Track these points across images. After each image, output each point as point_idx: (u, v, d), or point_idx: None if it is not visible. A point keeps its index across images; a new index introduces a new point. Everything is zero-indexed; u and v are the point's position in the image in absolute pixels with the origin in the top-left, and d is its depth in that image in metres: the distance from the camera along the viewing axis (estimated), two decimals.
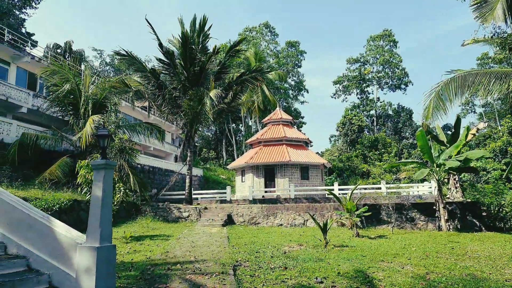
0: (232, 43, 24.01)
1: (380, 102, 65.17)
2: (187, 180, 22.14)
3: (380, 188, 24.94)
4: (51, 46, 35.60)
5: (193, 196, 25.22)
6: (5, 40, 23.92)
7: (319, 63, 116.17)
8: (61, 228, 5.64)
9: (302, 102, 65.24)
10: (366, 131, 58.08)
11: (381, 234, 14.08)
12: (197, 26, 21.25)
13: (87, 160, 14.46)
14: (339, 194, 23.39)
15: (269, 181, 29.01)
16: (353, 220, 14.20)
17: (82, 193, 14.00)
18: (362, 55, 65.07)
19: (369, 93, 65.97)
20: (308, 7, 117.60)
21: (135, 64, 21.43)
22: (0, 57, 23.61)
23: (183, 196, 24.02)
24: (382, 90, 65.47)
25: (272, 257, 9.31)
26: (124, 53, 20.88)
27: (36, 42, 37.27)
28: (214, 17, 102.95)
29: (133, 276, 7.17)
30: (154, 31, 20.50)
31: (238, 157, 49.20)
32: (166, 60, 21.48)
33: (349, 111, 58.31)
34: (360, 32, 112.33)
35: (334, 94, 67.88)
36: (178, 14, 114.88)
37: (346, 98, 67.95)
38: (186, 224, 18.14)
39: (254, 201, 23.79)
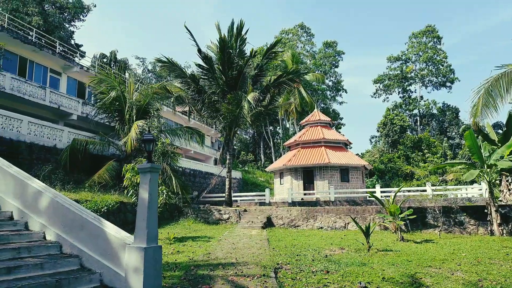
0: (268, 46, 24.11)
1: (424, 100, 62.58)
2: (227, 183, 22.46)
3: (425, 191, 23.91)
4: (97, 56, 37.61)
5: (233, 198, 25.52)
6: (57, 52, 25.56)
7: (358, 62, 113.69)
8: (111, 229, 5.93)
9: (341, 103, 64.12)
10: (408, 131, 55.95)
11: (427, 239, 13.49)
12: (234, 30, 21.55)
13: (132, 164, 15.11)
14: (381, 196, 22.69)
15: (308, 184, 28.73)
16: (397, 224, 13.72)
17: (128, 195, 14.62)
18: (403, 52, 62.83)
19: (411, 92, 63.57)
20: (345, 4, 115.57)
21: (176, 70, 22.12)
22: (53, 68, 25.28)
23: (223, 198, 24.38)
24: (425, 88, 62.89)
25: (313, 260, 9.21)
26: (165, 60, 21.62)
27: (84, 52, 39.50)
28: (251, 22, 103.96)
29: (177, 277, 7.38)
30: (193, 37, 21.05)
31: (276, 159, 49.18)
32: (205, 65, 21.96)
33: (390, 110, 56.45)
34: (400, 29, 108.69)
35: (375, 94, 66.04)
36: (214, 19, 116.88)
37: (388, 97, 65.79)
38: (226, 226, 18.39)
39: (293, 203, 23.66)
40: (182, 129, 23.19)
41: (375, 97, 66.38)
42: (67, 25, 39.85)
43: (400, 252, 10.42)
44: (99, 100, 21.03)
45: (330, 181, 27.94)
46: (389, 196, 21.06)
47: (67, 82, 26.42)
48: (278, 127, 58.68)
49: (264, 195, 26.93)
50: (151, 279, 5.33)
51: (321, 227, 17.60)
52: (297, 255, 9.98)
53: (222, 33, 21.34)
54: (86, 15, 41.07)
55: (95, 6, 41.80)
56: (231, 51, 21.35)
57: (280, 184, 30.76)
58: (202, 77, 22.84)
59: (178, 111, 30.81)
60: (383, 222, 15.97)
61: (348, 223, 17.20)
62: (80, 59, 30.59)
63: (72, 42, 40.24)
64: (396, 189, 20.13)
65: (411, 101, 62.59)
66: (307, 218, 18.17)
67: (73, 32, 41.07)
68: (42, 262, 5.60)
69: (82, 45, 42.00)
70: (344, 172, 28.69)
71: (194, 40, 21.16)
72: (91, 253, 5.99)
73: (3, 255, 5.61)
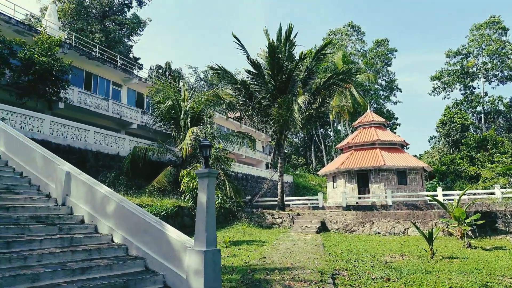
0: (317, 48, 23.87)
1: (489, 97, 57.96)
2: (279, 187, 22.47)
3: (493, 193, 22.07)
4: (154, 68, 39.69)
5: (285, 203, 25.47)
6: (118, 65, 27.37)
7: (413, 59, 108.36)
8: (172, 232, 6.19)
9: (395, 103, 61.46)
10: (471, 130, 52.13)
11: (498, 245, 12.44)
12: (283, 35, 21.64)
13: (188, 170, 15.67)
14: (443, 200, 21.32)
15: (363, 187, 27.82)
16: (463, 229, 12.82)
17: (185, 200, 15.18)
18: (463, 46, 58.73)
19: (474, 88, 59.17)
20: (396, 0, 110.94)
21: (227, 77, 22.66)
22: (114, 81, 27.09)
23: (275, 203, 24.42)
24: (489, 83, 58.19)
25: (372, 267, 8.89)
26: (217, 67, 22.24)
27: (142, 65, 41.91)
28: (298, 25, 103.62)
29: (235, 280, 7.50)
30: (241, 45, 21.45)
31: (328, 162, 48.28)
32: (254, 71, 22.25)
33: (450, 108, 52.97)
34: (458, 22, 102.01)
35: (433, 92, 62.28)
36: (261, 24, 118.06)
37: (448, 94, 61.58)
38: (280, 230, 18.37)
39: (348, 207, 23.05)
40: (234, 135, 23.63)
41: (434, 95, 62.67)
42: (126, 40, 42.54)
43: (467, 259, 9.72)
44: (156, 109, 22.13)
45: (386, 184, 26.83)
46: (452, 200, 19.75)
47: (127, 93, 28.15)
48: (330, 130, 57.61)
49: (317, 199, 26.54)
50: (211, 282, 5.47)
51: (379, 232, 16.94)
52: (355, 261, 9.69)
53: (271, 39, 21.51)
54: (143, 30, 43.58)
55: (150, 20, 44.21)
56: (280, 55, 21.43)
57: (333, 187, 30.14)
58: (252, 82, 23.15)
59: (230, 117, 31.48)
60: (447, 227, 15.00)
61: (407, 228, 16.38)
62: (138, 71, 32.50)
63: (131, 55, 42.83)
64: (460, 192, 18.82)
65: (473, 97, 58.28)
66: (363, 222, 17.60)
67: (131, 46, 43.75)
68: (111, 263, 5.98)
69: (139, 58, 44.56)
70: (401, 175, 27.41)
71: (243, 47, 21.54)
72: (155, 255, 6.29)
73: (77, 256, 6.08)
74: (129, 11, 44.21)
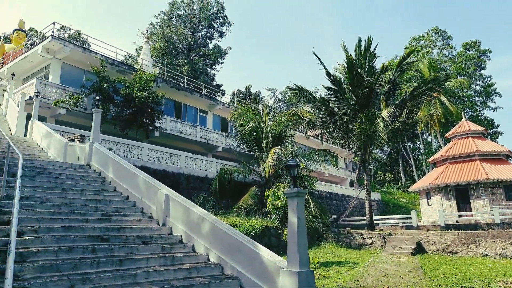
0: (400, 58, 22.77)
1: None
2: (366, 205, 21.48)
3: None
4: (235, 93, 41.72)
5: (374, 222, 24.18)
6: (203, 93, 29.36)
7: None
8: (265, 252, 6.31)
9: (495, 109, 55.06)
10: None
11: None
12: (362, 48, 21.17)
13: (272, 189, 15.87)
14: None
15: (462, 204, 25.19)
16: None
17: (271, 219, 15.33)
18: None
19: None
20: None
21: (305, 96, 22.76)
22: (201, 108, 29.07)
23: (363, 222, 23.34)
24: None
25: None
26: (295, 87, 22.50)
27: (224, 91, 44.34)
28: (376, 36, 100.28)
29: None
30: (321, 62, 21.48)
31: (419, 178, 44.84)
32: (334, 87, 22.00)
33: None
34: None
35: None
36: (338, 39, 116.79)
37: None
38: (370, 251, 17.45)
39: (447, 226, 20.97)
40: (315, 152, 23.44)
41: None
42: (209, 69, 45.60)
43: None
44: (239, 132, 23.08)
45: (491, 200, 23.92)
46: None
47: (212, 119, 29.94)
48: (419, 142, 53.70)
49: (409, 218, 24.68)
50: None
51: (486, 255, 15.07)
52: (462, 287, 8.73)
53: (349, 53, 21.16)
54: (224, 58, 46.30)
55: (230, 49, 46.87)
56: (359, 69, 20.93)
57: (428, 205, 27.79)
58: (332, 99, 22.89)
59: (310, 135, 31.36)
60: None
61: None
62: (221, 97, 34.49)
63: (214, 83, 45.67)
64: None
65: None
66: (466, 243, 15.85)
67: (214, 74, 46.71)
68: (209, 282, 6.28)
69: (221, 85, 47.27)
70: (509, 189, 24.23)
71: (322, 64, 21.52)
72: (249, 275, 6.44)
73: (179, 274, 6.51)
74: (211, 42, 47.52)
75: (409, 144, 52.60)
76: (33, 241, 6.18)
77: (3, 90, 22.80)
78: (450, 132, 30.73)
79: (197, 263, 7.19)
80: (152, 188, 9.27)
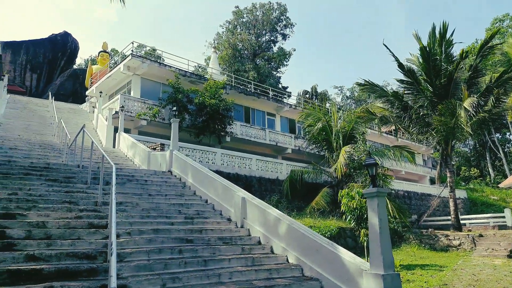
0: (482, 41, 20.79)
1: None
2: (451, 204, 19.89)
3: None
4: (301, 93, 41.55)
5: (461, 222, 22.30)
6: (270, 97, 29.73)
7: None
8: (345, 254, 6.19)
9: None
10: None
11: None
12: (436, 35, 19.73)
13: (346, 190, 15.48)
14: None
15: None
16: None
17: (346, 220, 14.93)
18: None
19: None
20: None
21: (376, 91, 21.84)
22: (268, 111, 29.46)
23: (447, 222, 21.70)
24: None
25: None
26: (364, 82, 21.70)
27: (290, 93, 44.33)
28: (451, 22, 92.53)
29: None
30: (392, 53, 20.50)
31: (510, 172, 40.34)
32: (407, 79, 20.82)
33: None
34: None
35: None
36: (407, 30, 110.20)
37: None
38: (458, 254, 16.15)
39: None
40: (390, 149, 22.36)
41: None
42: (274, 72, 46.06)
43: None
44: (307, 133, 22.91)
45: None
46: None
47: (280, 121, 30.15)
48: (508, 133, 48.37)
49: (503, 217, 22.35)
50: None
51: None
52: None
53: (422, 42, 19.85)
54: (288, 60, 46.43)
55: (294, 50, 46.89)
56: (436, 57, 19.54)
57: None
58: (406, 92, 21.67)
59: (383, 132, 29.97)
60: None
61: None
62: (287, 99, 34.57)
63: (280, 85, 45.98)
64: None
65: None
66: None
67: (279, 77, 47.05)
68: (290, 283, 6.33)
69: (287, 87, 47.55)
70: None
71: (394, 56, 20.50)
72: (329, 277, 6.36)
73: (260, 275, 6.67)
74: (275, 46, 47.98)
75: (497, 135, 47.57)
76: (128, 243, 6.79)
77: (93, 107, 25.42)
78: None
79: (277, 264, 7.30)
80: (229, 191, 9.63)
